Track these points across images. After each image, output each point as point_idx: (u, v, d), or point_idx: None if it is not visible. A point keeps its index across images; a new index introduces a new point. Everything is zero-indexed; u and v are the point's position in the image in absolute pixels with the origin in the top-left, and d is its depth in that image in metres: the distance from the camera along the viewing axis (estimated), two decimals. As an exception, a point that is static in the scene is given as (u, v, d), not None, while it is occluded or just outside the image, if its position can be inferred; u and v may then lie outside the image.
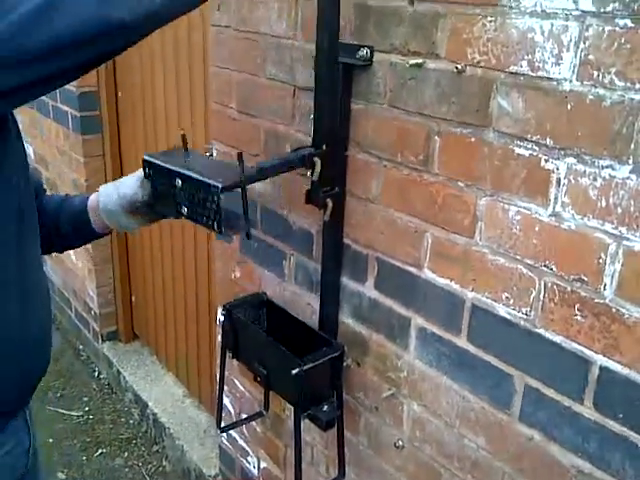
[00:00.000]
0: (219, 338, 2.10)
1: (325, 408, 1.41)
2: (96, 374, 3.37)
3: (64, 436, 2.89)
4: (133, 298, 3.18)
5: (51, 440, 2.86)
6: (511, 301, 1.14)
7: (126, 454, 2.80)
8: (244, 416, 2.04)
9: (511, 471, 1.21)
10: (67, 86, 1.26)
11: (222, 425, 1.71)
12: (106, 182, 1.44)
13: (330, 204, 1.38)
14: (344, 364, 1.49)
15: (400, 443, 1.44)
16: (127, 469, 2.71)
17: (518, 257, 1.10)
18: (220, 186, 1.13)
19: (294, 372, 1.33)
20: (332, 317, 1.53)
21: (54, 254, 3.61)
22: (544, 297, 1.08)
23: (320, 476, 1.76)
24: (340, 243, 1.46)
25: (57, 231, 1.35)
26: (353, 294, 1.48)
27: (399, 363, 1.40)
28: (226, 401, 2.13)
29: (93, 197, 1.35)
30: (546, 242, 1.06)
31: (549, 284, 1.07)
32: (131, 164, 2.86)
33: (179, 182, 1.19)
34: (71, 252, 3.34)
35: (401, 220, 1.31)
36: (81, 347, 3.58)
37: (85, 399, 3.16)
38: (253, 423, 2.01)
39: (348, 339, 1.51)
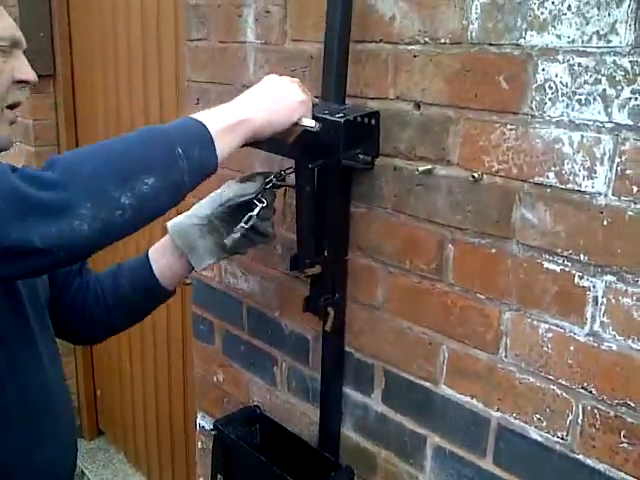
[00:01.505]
0: (198, 445, 1.94)
1: (335, 540, 1.28)
2: (56, 474, 3.11)
3: None
4: (98, 392, 2.98)
5: None
6: (544, 424, 1.04)
7: None
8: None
9: None
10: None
11: None
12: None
13: (332, 313, 1.28)
14: (349, 482, 1.36)
15: None
16: None
17: (551, 377, 1.02)
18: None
19: (302, 505, 1.20)
20: (334, 430, 1.41)
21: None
22: (583, 421, 0.99)
23: None
24: (341, 351, 1.35)
25: (116, 297, 1.27)
26: (357, 406, 1.36)
27: (413, 484, 1.28)
28: (209, 513, 1.96)
29: (159, 242, 1.29)
30: (584, 363, 0.97)
31: (588, 407, 0.98)
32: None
33: None
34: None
35: (412, 330, 1.21)
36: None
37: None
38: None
39: (352, 454, 1.38)
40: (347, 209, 1.27)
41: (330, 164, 1.11)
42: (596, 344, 0.95)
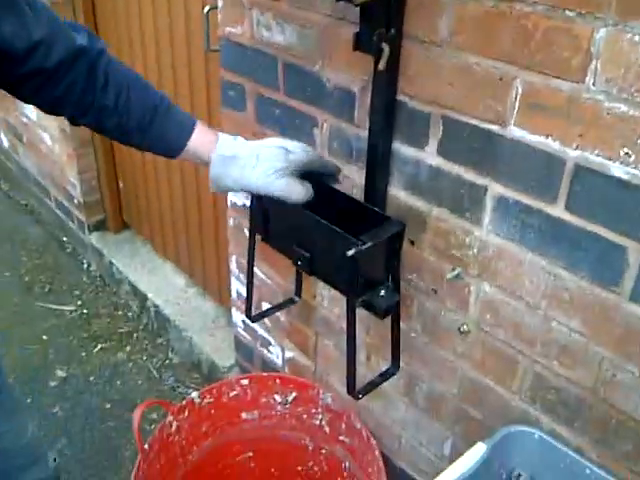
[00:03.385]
0: (230, 222, 1.89)
1: (382, 293, 1.22)
2: (85, 266, 3.15)
3: (58, 332, 2.71)
4: (121, 184, 2.91)
5: (45, 337, 2.68)
6: (632, 158, 0.92)
7: (128, 348, 2.65)
8: (264, 304, 1.88)
9: (613, 356, 1.05)
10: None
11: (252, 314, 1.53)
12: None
13: (386, 49, 1.12)
14: (396, 243, 1.29)
15: (465, 328, 1.28)
16: (131, 363, 2.57)
17: (649, 102, 0.88)
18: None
19: (350, 253, 1.12)
20: (380, 190, 1.31)
21: (25, 138, 3.28)
22: (682, 151, 0.87)
23: (359, 364, 1.61)
24: (393, 101, 1.22)
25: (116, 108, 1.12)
26: (407, 162, 1.25)
27: (467, 239, 1.20)
28: (242, 290, 1.96)
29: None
30: (695, 79, 0.83)
31: (691, 133, 0.86)
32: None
33: None
34: (45, 135, 3.02)
35: (479, 66, 1.06)
36: (65, 239, 3.34)
37: (76, 293, 2.97)
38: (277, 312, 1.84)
39: (400, 215, 1.30)
40: None
41: None
42: None
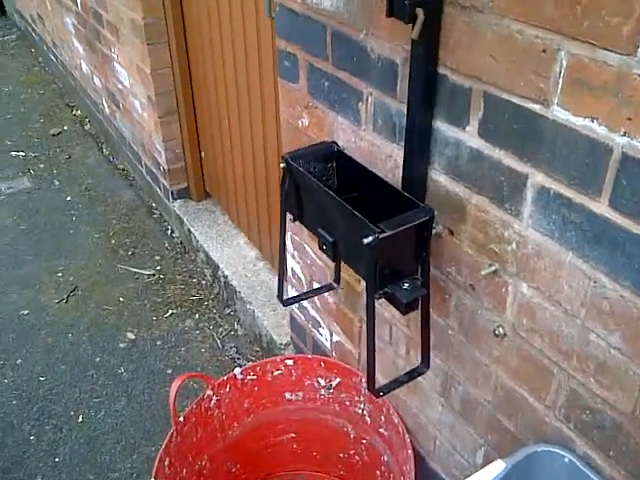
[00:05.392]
0: (287, 197, 1.83)
1: (406, 286, 1.12)
2: (169, 232, 3.22)
3: (134, 295, 2.79)
4: (202, 154, 2.93)
5: (121, 299, 2.77)
6: (688, 149, 0.77)
7: (197, 316, 2.68)
8: (315, 285, 1.81)
9: (657, 381, 0.90)
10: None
11: (285, 297, 1.46)
12: None
13: (421, 16, 1.01)
14: (433, 232, 1.18)
15: (500, 331, 1.15)
16: (197, 331, 2.59)
17: None
18: None
19: (366, 241, 1.03)
20: (419, 173, 1.20)
21: (121, 104, 3.38)
22: None
23: (399, 357, 1.52)
24: (433, 73, 1.10)
25: None
26: (448, 143, 1.13)
27: (506, 233, 1.07)
28: (296, 268, 1.90)
29: None
30: None
31: None
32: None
33: None
34: (136, 102, 3.09)
35: (522, 36, 0.92)
36: (153, 204, 3.43)
37: (157, 258, 3.04)
38: (325, 293, 1.77)
39: (440, 201, 1.19)
40: None
41: None
42: None
